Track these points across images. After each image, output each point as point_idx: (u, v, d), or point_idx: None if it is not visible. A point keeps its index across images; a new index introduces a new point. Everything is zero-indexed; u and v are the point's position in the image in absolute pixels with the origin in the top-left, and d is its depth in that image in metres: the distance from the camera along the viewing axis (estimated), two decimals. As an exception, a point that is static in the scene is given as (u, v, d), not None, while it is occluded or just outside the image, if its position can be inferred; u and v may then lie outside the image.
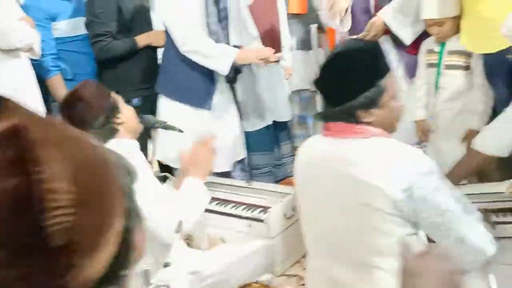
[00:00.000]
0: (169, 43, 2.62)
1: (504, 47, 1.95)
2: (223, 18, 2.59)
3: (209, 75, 2.63)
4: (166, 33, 2.64)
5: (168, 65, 2.68)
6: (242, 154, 2.89)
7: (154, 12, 2.90)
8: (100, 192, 0.48)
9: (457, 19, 2.23)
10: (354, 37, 2.49)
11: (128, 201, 0.52)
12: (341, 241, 1.38)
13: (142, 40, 2.77)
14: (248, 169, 3.08)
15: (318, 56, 3.45)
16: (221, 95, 2.71)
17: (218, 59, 2.49)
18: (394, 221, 1.30)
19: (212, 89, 2.66)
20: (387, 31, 2.48)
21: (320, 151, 1.43)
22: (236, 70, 2.60)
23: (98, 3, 2.72)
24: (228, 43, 2.62)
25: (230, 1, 2.63)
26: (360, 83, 1.33)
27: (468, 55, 2.24)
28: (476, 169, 2.03)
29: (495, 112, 2.16)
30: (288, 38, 3.23)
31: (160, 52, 2.85)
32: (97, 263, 0.47)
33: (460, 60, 2.26)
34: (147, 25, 2.84)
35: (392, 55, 2.48)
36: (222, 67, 2.49)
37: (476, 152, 1.90)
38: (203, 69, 2.57)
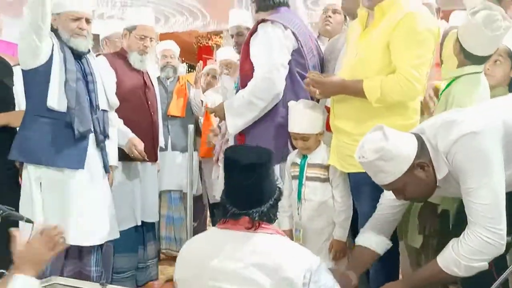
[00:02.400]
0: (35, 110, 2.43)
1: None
2: (91, 81, 2.55)
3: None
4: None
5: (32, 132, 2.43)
6: (116, 234, 2.67)
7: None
8: None
9: (320, 135, 2.42)
10: None
11: None
12: None
13: None
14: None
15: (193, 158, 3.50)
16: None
17: None
18: None
19: (83, 151, 2.49)
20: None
21: (222, 242, 1.52)
22: None
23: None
24: (96, 106, 2.55)
25: (92, 67, 2.60)
26: (273, 188, 1.56)
27: (326, 168, 2.39)
28: None
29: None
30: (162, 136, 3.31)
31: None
32: None
33: (319, 173, 2.40)
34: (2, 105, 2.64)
35: None
36: None
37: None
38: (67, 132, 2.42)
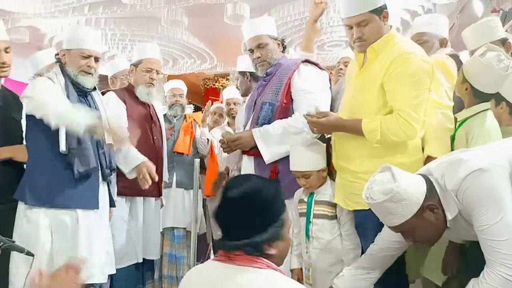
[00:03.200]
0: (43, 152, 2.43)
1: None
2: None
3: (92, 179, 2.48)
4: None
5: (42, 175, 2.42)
6: (112, 269, 2.63)
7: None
8: None
9: (322, 171, 2.40)
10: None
11: None
12: None
13: (1, 153, 2.55)
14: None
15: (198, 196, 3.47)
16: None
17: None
18: None
19: (95, 190, 2.50)
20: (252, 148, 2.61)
21: (214, 275, 1.44)
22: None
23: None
24: (102, 140, 2.53)
25: (97, 103, 2.63)
26: (269, 218, 1.44)
27: (333, 205, 2.36)
28: None
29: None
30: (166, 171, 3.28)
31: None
32: None
33: (326, 210, 2.37)
34: (11, 138, 2.63)
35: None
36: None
37: None
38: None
